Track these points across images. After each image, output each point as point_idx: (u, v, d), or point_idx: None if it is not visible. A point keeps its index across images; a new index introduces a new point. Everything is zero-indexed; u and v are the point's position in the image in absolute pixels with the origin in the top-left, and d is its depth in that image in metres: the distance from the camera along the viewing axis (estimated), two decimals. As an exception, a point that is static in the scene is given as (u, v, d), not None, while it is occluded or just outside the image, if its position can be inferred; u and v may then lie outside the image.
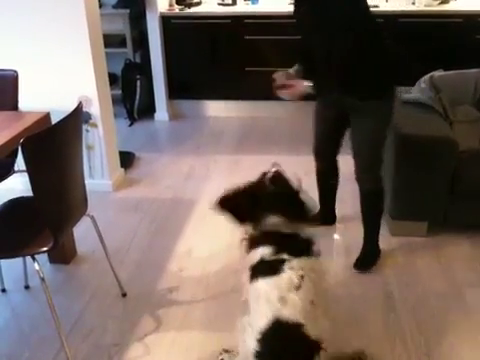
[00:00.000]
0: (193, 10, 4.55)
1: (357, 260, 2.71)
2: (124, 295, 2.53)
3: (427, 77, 3.05)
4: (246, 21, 4.38)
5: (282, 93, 2.46)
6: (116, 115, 3.77)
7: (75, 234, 2.79)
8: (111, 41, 4.46)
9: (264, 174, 1.91)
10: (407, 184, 2.81)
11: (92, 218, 2.36)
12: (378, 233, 2.70)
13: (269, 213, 1.85)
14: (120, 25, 4.54)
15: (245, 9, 4.52)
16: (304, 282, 1.74)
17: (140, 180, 3.68)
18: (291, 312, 1.68)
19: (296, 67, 2.53)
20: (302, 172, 3.54)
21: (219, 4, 4.63)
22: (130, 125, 4.69)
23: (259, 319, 1.72)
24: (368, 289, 2.55)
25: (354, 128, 2.50)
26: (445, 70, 3.15)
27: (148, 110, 4.79)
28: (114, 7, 4.57)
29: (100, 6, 4.11)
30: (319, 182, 2.90)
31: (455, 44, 4.23)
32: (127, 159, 3.86)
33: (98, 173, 3.47)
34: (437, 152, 2.71)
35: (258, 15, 4.33)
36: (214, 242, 2.90)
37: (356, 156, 2.53)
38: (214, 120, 4.77)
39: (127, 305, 2.49)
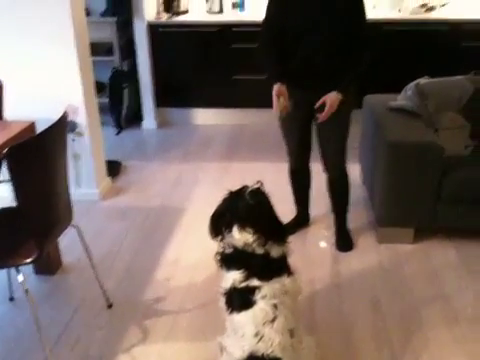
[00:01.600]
0: (181, 18, 4.56)
1: (340, 243, 2.93)
2: (110, 306, 2.51)
3: (413, 84, 3.07)
4: (234, 29, 4.39)
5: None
6: (103, 123, 3.76)
7: (61, 244, 2.76)
8: (98, 49, 4.46)
9: (244, 187, 1.86)
10: (394, 190, 2.82)
11: (77, 228, 2.34)
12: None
13: (243, 228, 1.78)
14: (107, 33, 4.53)
15: (233, 18, 4.54)
16: (279, 311, 1.71)
17: (127, 188, 3.66)
18: (267, 347, 1.67)
19: (279, 84, 2.53)
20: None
21: (207, 12, 4.65)
22: (117, 133, 4.67)
23: (236, 351, 1.71)
24: (355, 297, 2.55)
25: (323, 123, 2.58)
26: (431, 77, 3.17)
27: (135, 118, 4.78)
28: (102, 15, 4.56)
29: (87, 14, 4.12)
30: (294, 183, 3.02)
31: (440, 51, 4.28)
32: (114, 167, 3.84)
33: (85, 182, 3.45)
34: (423, 158, 2.73)
35: (245, 23, 4.34)
36: (202, 250, 2.88)
37: (325, 148, 2.74)
38: (202, 128, 4.77)
39: (113, 316, 2.47)
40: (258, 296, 1.73)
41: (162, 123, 4.82)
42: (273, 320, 1.70)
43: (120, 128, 4.71)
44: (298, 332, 1.78)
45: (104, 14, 4.54)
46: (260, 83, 4.48)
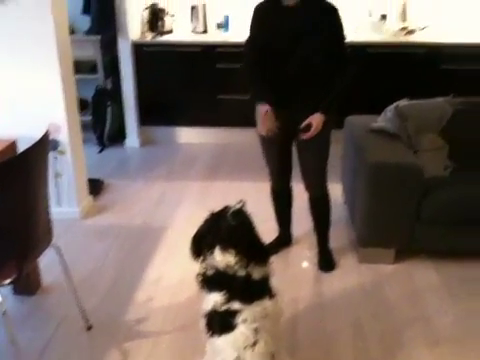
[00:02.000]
0: (165, 38, 4.59)
1: (322, 263, 2.93)
2: (90, 327, 2.47)
3: (393, 106, 3.12)
4: (218, 50, 4.43)
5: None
6: (86, 141, 3.74)
7: (41, 263, 2.73)
8: (82, 67, 4.47)
9: (226, 208, 1.86)
10: (374, 211, 2.85)
11: (57, 249, 2.32)
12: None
13: (225, 250, 1.78)
14: (91, 51, 4.55)
15: (217, 38, 4.58)
16: (260, 335, 1.71)
17: (109, 207, 3.64)
18: None
19: (263, 103, 2.56)
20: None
21: (191, 32, 4.69)
22: (100, 151, 4.65)
23: None
24: (337, 317, 2.55)
25: (304, 144, 2.64)
26: (410, 99, 3.22)
27: (119, 136, 4.77)
28: (86, 34, 4.58)
29: (72, 32, 4.12)
30: (275, 203, 3.03)
31: (420, 74, 4.37)
32: (96, 186, 3.82)
33: (66, 201, 3.42)
34: (403, 179, 2.76)
35: (229, 44, 4.39)
36: (184, 270, 2.87)
37: (306, 168, 2.76)
38: (186, 146, 4.78)
39: (93, 337, 2.43)
40: (239, 319, 1.72)
41: (145, 141, 4.82)
42: (254, 344, 1.70)
43: (103, 146, 4.70)
44: (280, 356, 1.77)
45: (88, 32, 4.56)
46: (244, 103, 4.49)
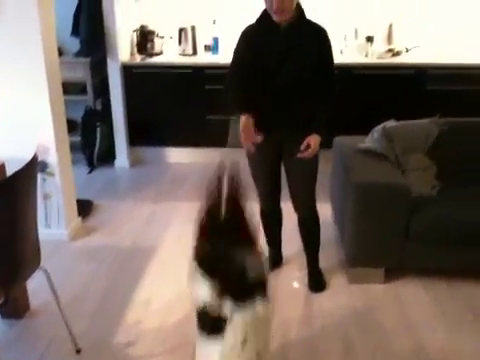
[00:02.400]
0: (154, 60, 4.63)
1: (312, 283, 2.94)
2: (78, 351, 2.44)
3: (380, 127, 3.16)
4: (207, 71, 4.48)
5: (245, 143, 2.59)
6: (76, 161, 3.74)
7: (29, 286, 2.69)
8: (72, 89, 4.49)
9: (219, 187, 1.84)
10: (363, 231, 2.86)
11: (45, 272, 2.30)
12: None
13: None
14: (81, 73, 4.56)
15: (206, 60, 4.63)
16: (249, 337, 1.70)
17: (98, 228, 3.62)
18: None
19: (246, 116, 2.54)
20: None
21: (180, 54, 4.73)
22: (89, 172, 4.64)
23: None
24: (328, 338, 2.55)
25: (293, 164, 2.69)
26: (397, 120, 3.27)
27: (108, 157, 4.77)
28: (75, 55, 4.60)
29: (61, 54, 4.15)
30: (264, 224, 3.00)
31: (406, 95, 4.43)
32: (85, 207, 3.80)
33: (54, 222, 3.40)
34: (391, 199, 2.79)
35: (218, 66, 4.43)
36: (173, 291, 2.85)
37: (294, 188, 2.78)
38: (175, 167, 4.78)
39: (82, 361, 2.41)
40: (229, 321, 1.70)
41: (135, 162, 4.82)
42: (243, 347, 1.68)
43: (92, 167, 4.69)
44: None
45: (78, 54, 4.59)
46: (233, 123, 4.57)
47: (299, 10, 2.55)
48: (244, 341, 1.69)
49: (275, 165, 2.79)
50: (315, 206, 2.83)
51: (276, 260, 3.12)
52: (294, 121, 2.61)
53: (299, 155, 2.58)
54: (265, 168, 2.79)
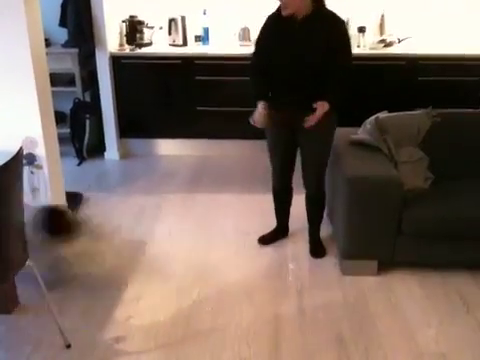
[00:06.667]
0: (144, 50, 4.56)
1: (313, 250, 3.15)
2: (68, 346, 2.40)
3: (372, 119, 3.14)
4: (197, 62, 4.42)
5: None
6: (65, 154, 3.68)
7: (18, 282, 2.65)
8: (60, 80, 4.43)
9: None
10: (355, 224, 2.85)
11: (34, 266, 2.26)
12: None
13: None
14: (69, 64, 4.50)
15: (196, 50, 4.57)
16: None
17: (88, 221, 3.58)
18: None
19: (262, 102, 2.79)
20: (257, 210, 3.60)
21: (170, 45, 4.67)
22: (79, 164, 4.59)
23: None
24: (320, 331, 2.53)
25: (307, 138, 2.85)
26: (389, 112, 3.25)
27: (98, 149, 4.71)
28: (63, 46, 4.53)
29: (49, 45, 4.08)
30: (276, 200, 3.22)
31: (399, 86, 4.40)
32: (75, 199, 3.75)
33: (43, 216, 3.35)
34: (383, 192, 2.77)
35: (208, 56, 4.38)
36: (164, 286, 2.82)
37: (307, 167, 2.97)
38: (166, 159, 4.74)
39: (71, 357, 2.36)
40: None
41: (125, 154, 4.77)
42: None
43: (82, 159, 4.64)
44: None
45: (66, 45, 4.51)
46: (223, 114, 4.53)
47: (316, 2, 2.66)
48: None
49: (289, 145, 2.95)
50: (323, 186, 3.02)
51: (283, 231, 3.33)
52: (309, 103, 2.72)
53: (306, 124, 2.71)
54: (279, 147, 2.98)
